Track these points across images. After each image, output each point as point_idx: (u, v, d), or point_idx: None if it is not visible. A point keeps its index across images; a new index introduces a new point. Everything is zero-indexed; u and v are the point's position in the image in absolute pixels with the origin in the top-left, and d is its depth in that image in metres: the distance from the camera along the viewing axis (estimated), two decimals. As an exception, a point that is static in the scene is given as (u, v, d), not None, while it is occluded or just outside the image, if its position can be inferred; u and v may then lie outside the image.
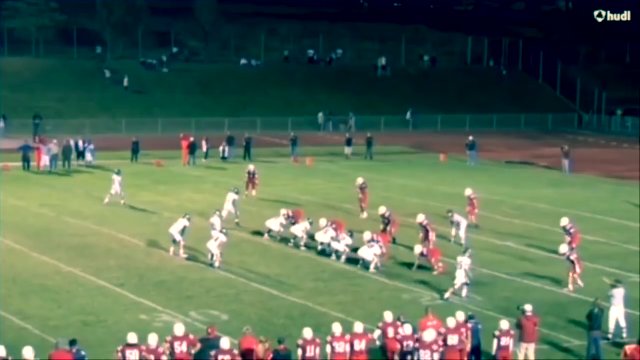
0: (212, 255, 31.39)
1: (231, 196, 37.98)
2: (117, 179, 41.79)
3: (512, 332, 21.66)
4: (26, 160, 52.19)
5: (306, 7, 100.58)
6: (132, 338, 19.85)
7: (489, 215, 40.95)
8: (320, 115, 74.59)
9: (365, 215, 39.65)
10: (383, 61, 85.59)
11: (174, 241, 32.54)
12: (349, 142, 60.48)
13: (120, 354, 19.71)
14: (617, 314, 24.92)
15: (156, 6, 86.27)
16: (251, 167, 45.73)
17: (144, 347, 19.78)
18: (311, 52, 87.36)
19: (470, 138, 58.80)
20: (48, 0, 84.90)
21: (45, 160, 52.19)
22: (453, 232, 35.23)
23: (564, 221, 33.93)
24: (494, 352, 21.58)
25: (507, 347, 21.49)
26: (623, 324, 24.90)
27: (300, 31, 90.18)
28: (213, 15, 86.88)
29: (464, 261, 28.23)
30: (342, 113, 74.74)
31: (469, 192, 38.70)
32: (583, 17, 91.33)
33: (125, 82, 76.62)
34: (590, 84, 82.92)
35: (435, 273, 30.62)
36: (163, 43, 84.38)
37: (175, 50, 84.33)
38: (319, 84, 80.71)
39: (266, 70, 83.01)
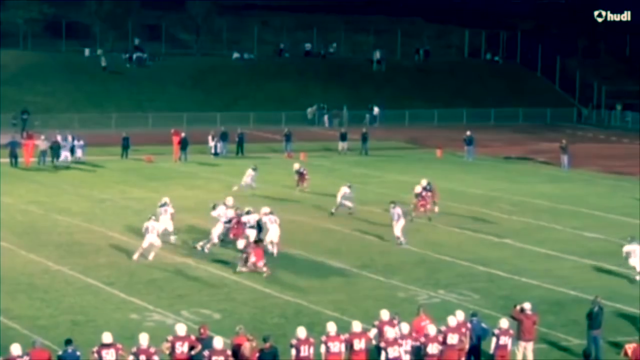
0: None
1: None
2: (251, 173, 44.14)
3: (511, 332, 21.68)
4: (14, 156, 52.06)
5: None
6: (107, 337, 19.88)
7: (486, 211, 41.02)
8: (309, 110, 74.46)
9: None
10: (378, 55, 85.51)
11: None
12: (343, 137, 60.42)
13: (96, 354, 19.72)
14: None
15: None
16: (296, 166, 46.00)
17: (119, 346, 19.84)
18: (308, 45, 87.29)
19: (467, 133, 58.81)
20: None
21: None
22: (394, 223, 34.86)
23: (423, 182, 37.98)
24: (491, 350, 21.61)
25: (505, 346, 21.52)
26: None
27: (294, 24, 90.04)
28: (205, 7, 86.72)
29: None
30: (336, 107, 74.67)
31: (423, 182, 38.98)
32: (580, 9, 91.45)
33: (103, 61, 77.04)
34: (589, 77, 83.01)
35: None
36: (153, 36, 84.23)
37: (164, 44, 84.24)
38: (313, 77, 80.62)
39: (259, 63, 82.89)
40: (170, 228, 33.98)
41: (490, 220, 39.20)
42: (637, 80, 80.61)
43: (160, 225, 32.63)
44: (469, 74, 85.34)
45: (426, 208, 38.41)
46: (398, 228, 34.57)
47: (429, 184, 39.10)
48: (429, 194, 38.74)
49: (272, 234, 32.56)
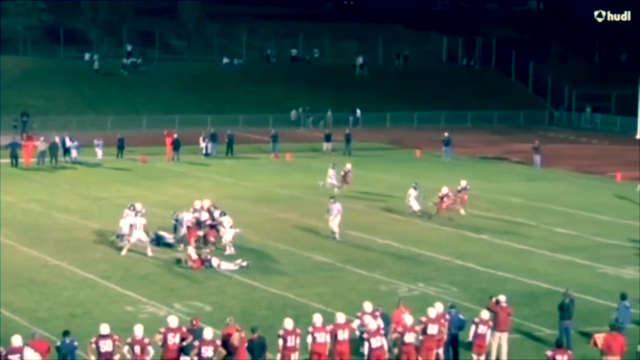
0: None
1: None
2: (332, 172, 44.92)
3: (490, 323, 21.71)
4: (14, 156, 51.89)
5: (286, 7, 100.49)
6: (105, 329, 19.89)
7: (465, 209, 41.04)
8: (293, 112, 74.39)
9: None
10: (360, 60, 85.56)
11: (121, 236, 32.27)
12: (328, 138, 60.44)
13: (93, 345, 19.73)
14: None
15: (140, 6, 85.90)
16: (348, 166, 45.57)
17: (116, 337, 19.83)
18: (294, 51, 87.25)
19: (445, 134, 58.88)
20: (35, 1, 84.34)
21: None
22: (331, 218, 34.50)
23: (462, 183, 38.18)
24: (470, 337, 21.63)
25: (483, 335, 21.55)
26: None
27: (280, 31, 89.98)
28: (196, 15, 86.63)
29: None
30: (321, 110, 74.67)
31: (463, 183, 39.30)
32: (553, 17, 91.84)
33: (96, 65, 76.72)
34: (560, 81, 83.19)
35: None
36: (147, 42, 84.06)
37: (157, 50, 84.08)
38: (299, 82, 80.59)
39: (247, 68, 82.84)
40: (144, 238, 31.94)
41: (467, 217, 39.21)
42: (605, 84, 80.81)
43: (135, 221, 31.95)
44: (447, 78, 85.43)
45: (450, 207, 37.85)
46: (335, 223, 34.30)
47: (466, 186, 38.86)
48: (463, 195, 38.45)
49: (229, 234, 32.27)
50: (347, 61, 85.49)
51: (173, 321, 20.56)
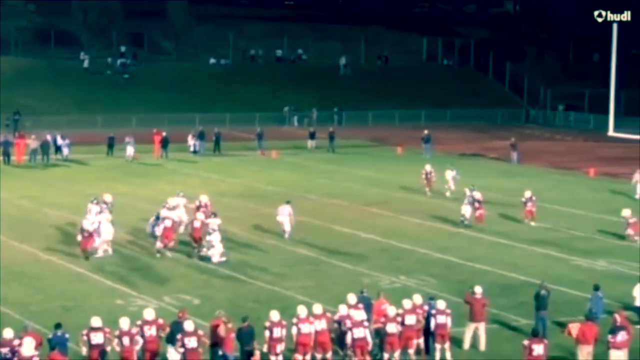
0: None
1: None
2: (450, 173, 42.89)
3: (448, 311, 21.72)
4: (6, 154, 51.64)
5: (272, 9, 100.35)
6: (96, 322, 19.89)
7: (443, 203, 41.11)
8: (286, 109, 74.43)
9: None
10: (344, 60, 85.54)
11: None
12: (312, 136, 60.43)
13: (85, 337, 19.74)
14: None
15: (130, 8, 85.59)
16: (427, 168, 43.74)
17: (107, 329, 19.84)
18: (279, 52, 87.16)
19: (426, 132, 58.90)
20: (26, 2, 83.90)
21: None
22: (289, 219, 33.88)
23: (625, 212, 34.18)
24: (432, 328, 21.71)
25: (443, 325, 21.59)
26: None
27: (266, 32, 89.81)
28: (184, 17, 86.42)
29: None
30: (306, 109, 74.61)
31: (527, 194, 36.67)
32: (529, 18, 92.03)
33: (86, 64, 76.64)
34: (536, 81, 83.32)
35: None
36: (136, 43, 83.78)
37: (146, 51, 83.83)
38: (284, 81, 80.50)
39: (234, 68, 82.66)
40: (109, 237, 31.15)
41: (447, 211, 39.24)
42: (578, 82, 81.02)
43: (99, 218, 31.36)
44: (427, 77, 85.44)
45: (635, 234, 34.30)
46: (286, 222, 33.57)
47: (532, 197, 36.81)
48: (635, 222, 34.54)
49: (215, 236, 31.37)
50: (330, 61, 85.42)
51: (149, 314, 20.59)
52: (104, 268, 29.49)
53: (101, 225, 30.91)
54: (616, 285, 27.31)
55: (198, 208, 33.21)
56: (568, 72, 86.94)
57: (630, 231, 34.03)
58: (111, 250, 31.17)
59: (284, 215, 33.71)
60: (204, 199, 34.07)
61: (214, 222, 30.97)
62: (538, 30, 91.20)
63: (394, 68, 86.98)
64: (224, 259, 30.21)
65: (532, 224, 36.33)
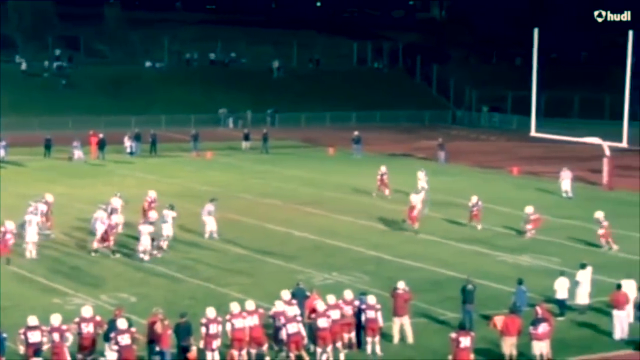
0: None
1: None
2: (421, 174, 43.59)
3: (378, 306, 21.93)
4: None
5: (207, 13, 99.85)
6: (33, 320, 19.82)
7: (374, 202, 41.35)
8: (221, 110, 74.14)
9: None
10: (277, 63, 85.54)
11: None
12: (246, 137, 60.32)
13: (22, 336, 19.61)
14: None
15: (65, 11, 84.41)
16: (383, 169, 43.25)
17: (44, 327, 19.68)
18: (212, 55, 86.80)
19: (356, 133, 59.20)
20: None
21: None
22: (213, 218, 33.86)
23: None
24: (363, 322, 21.89)
25: (374, 319, 21.82)
26: None
27: (200, 36, 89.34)
28: (119, 21, 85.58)
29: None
30: (240, 111, 74.44)
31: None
32: (454, 23, 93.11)
33: (23, 66, 75.61)
34: (462, 83, 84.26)
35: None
36: (72, 46, 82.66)
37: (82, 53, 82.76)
38: (219, 84, 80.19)
39: (169, 71, 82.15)
40: (35, 238, 30.53)
41: (379, 210, 39.49)
42: (502, 85, 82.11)
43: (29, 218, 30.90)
44: (357, 80, 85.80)
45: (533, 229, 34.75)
46: (210, 222, 33.50)
47: (477, 202, 36.37)
48: (537, 218, 34.92)
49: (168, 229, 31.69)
50: (264, 65, 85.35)
51: (86, 311, 20.56)
52: (41, 268, 29.05)
53: (28, 227, 30.33)
54: (539, 279, 27.78)
55: (150, 204, 33.91)
56: (492, 75, 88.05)
57: (528, 226, 34.62)
58: (35, 252, 30.34)
59: (208, 216, 33.57)
60: (153, 194, 34.77)
61: (169, 214, 31.64)
62: (463, 34, 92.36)
63: (325, 71, 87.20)
64: (155, 253, 30.17)
65: (479, 227, 36.08)
